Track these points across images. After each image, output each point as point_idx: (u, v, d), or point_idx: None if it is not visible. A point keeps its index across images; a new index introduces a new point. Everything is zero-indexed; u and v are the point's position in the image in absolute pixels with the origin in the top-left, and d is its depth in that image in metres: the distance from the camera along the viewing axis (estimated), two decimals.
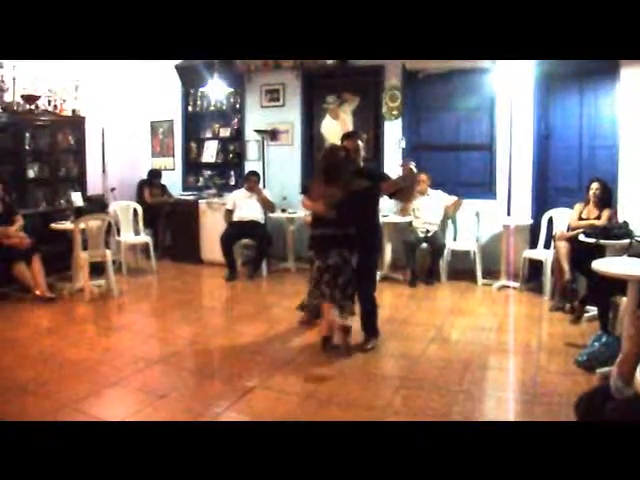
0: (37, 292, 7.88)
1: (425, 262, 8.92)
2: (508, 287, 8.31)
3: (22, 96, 9.02)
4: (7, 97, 8.84)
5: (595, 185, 7.30)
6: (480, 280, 8.64)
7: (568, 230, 7.40)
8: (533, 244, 8.46)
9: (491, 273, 8.63)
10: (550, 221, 8.21)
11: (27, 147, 9.33)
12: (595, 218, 7.22)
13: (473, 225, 8.90)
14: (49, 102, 9.55)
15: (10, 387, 5.08)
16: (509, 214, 8.71)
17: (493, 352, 5.99)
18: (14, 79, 8.83)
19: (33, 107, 9.19)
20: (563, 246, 7.16)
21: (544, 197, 8.79)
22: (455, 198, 8.93)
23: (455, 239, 9.09)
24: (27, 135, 9.29)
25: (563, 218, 7.85)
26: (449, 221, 9.10)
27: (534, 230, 8.51)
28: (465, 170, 9.53)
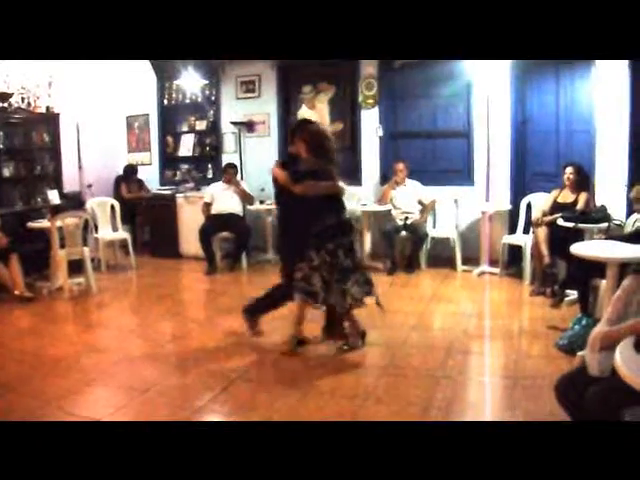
0: (16, 292, 7.80)
1: (405, 250, 8.92)
2: (488, 273, 8.33)
3: None
4: None
5: (569, 169, 7.31)
6: (460, 267, 8.65)
7: (543, 215, 7.40)
8: (512, 230, 8.46)
9: (471, 260, 8.65)
10: (529, 206, 8.20)
11: (1, 145, 9.28)
12: (571, 202, 7.22)
13: (452, 212, 8.91)
14: (22, 99, 9.47)
15: None
16: (487, 200, 8.72)
17: (474, 338, 6.00)
18: None
19: (6, 105, 9.14)
20: (542, 231, 7.18)
21: (522, 182, 8.79)
22: (431, 197, 8.97)
23: (434, 226, 9.08)
24: (0, 133, 9.22)
25: (541, 203, 7.87)
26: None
27: (513, 216, 8.53)
28: (443, 157, 9.52)
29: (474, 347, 5.79)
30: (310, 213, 5.40)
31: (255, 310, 5.96)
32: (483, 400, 4.61)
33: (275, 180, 5.60)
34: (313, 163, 5.41)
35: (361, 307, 5.58)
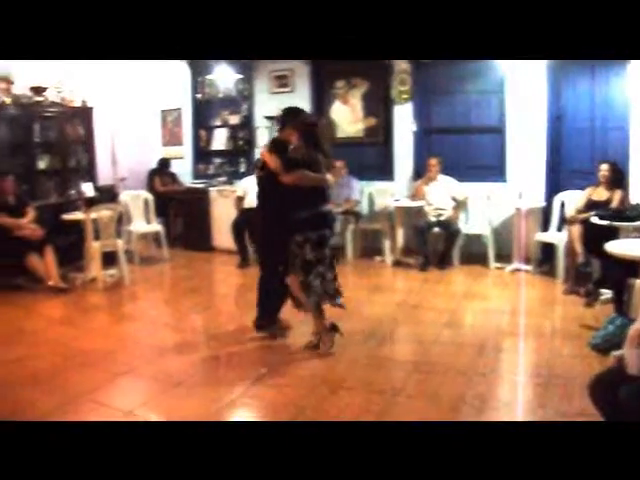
0: (50, 283, 7.90)
1: (437, 247, 8.89)
2: (521, 270, 8.26)
3: (30, 88, 9.05)
4: (15, 89, 8.85)
5: (604, 167, 7.23)
6: (492, 264, 8.59)
7: (577, 213, 7.33)
8: (546, 227, 8.38)
9: (503, 257, 8.58)
10: (563, 204, 8.12)
11: (36, 139, 9.40)
12: (605, 200, 7.15)
13: (485, 209, 8.85)
14: (57, 93, 9.57)
15: (24, 377, 5.10)
16: (521, 197, 8.63)
17: (506, 336, 5.96)
18: (22, 71, 8.83)
19: (41, 99, 9.22)
20: (575, 229, 7.12)
21: (557, 179, 8.70)
22: (464, 193, 8.93)
23: (467, 223, 9.03)
24: (36, 127, 9.34)
25: (576, 200, 7.79)
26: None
27: (547, 213, 8.44)
28: (476, 153, 9.47)
29: (506, 345, 5.75)
30: (292, 202, 5.40)
31: (268, 317, 5.92)
32: (514, 398, 4.57)
33: (262, 165, 5.60)
34: (305, 153, 5.40)
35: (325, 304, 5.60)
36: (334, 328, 5.56)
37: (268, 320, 5.89)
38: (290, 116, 5.71)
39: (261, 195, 5.78)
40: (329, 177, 5.67)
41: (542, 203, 8.53)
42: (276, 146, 5.55)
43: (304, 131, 5.48)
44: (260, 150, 5.64)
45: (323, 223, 5.48)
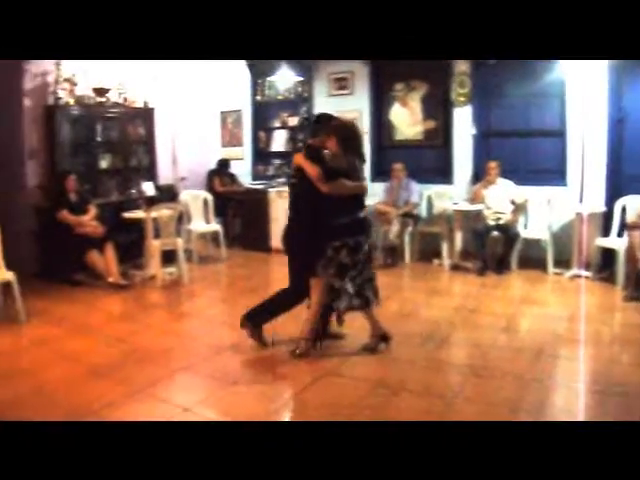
0: (110, 279, 8.08)
1: (496, 250, 8.83)
2: (580, 276, 8.15)
3: (93, 89, 9.24)
4: (79, 90, 9.05)
5: None
6: (551, 269, 8.50)
7: (637, 218, 7.23)
8: (606, 232, 8.28)
9: (562, 262, 8.47)
10: (624, 209, 8.02)
11: (99, 138, 9.60)
12: None
13: (544, 213, 8.76)
14: (119, 94, 9.76)
15: (84, 372, 5.25)
16: (581, 201, 8.53)
17: (565, 342, 5.91)
18: (85, 72, 9.04)
19: (104, 99, 9.41)
20: (637, 234, 7.03)
21: (618, 184, 8.57)
22: (524, 196, 8.84)
23: (526, 227, 8.95)
24: (99, 127, 9.56)
25: (637, 206, 7.68)
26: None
27: (607, 218, 8.33)
28: (536, 157, 9.38)
29: (564, 351, 5.70)
30: (329, 209, 5.38)
31: (259, 318, 5.78)
32: (572, 405, 4.54)
33: (297, 168, 5.48)
34: (345, 161, 5.37)
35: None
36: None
37: (257, 323, 5.75)
38: (324, 122, 5.68)
39: (295, 202, 5.67)
40: (366, 184, 5.68)
41: (603, 208, 8.41)
42: (312, 153, 5.45)
43: (343, 138, 5.43)
44: (294, 156, 5.53)
45: (360, 229, 5.48)
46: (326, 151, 5.44)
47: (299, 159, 5.44)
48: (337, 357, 5.51)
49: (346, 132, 5.51)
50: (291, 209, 5.71)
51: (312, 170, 5.29)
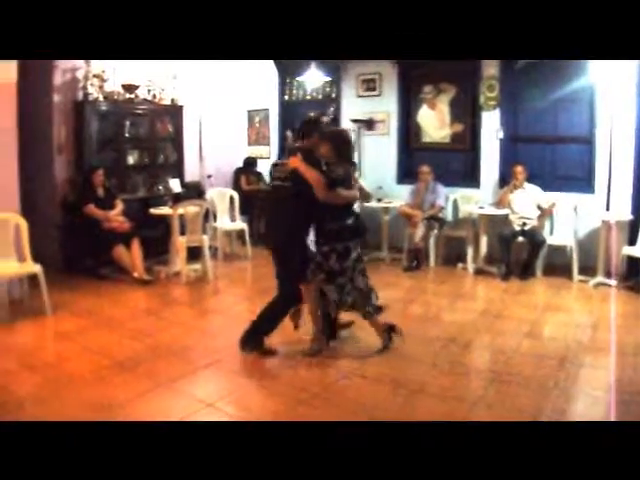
0: (135, 274, 8.15)
1: (521, 256, 8.80)
2: (605, 284, 8.10)
3: (122, 85, 9.31)
4: (108, 86, 9.12)
5: None
6: (576, 276, 8.44)
7: None
8: (632, 241, 8.20)
9: (587, 269, 8.41)
10: None
11: (127, 135, 9.68)
12: None
13: (570, 220, 8.71)
14: (148, 91, 9.83)
15: (109, 365, 5.31)
16: (608, 209, 8.49)
17: (588, 350, 5.88)
18: (114, 69, 9.12)
19: (133, 96, 9.48)
20: None
21: None
22: (551, 200, 8.78)
23: (551, 233, 8.91)
24: (127, 123, 9.63)
25: None
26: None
27: (633, 226, 8.26)
28: (563, 163, 9.31)
29: (587, 359, 5.66)
30: (320, 214, 5.38)
31: (256, 338, 5.64)
32: (594, 414, 4.52)
33: (291, 172, 5.34)
34: (342, 169, 5.37)
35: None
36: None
37: (256, 344, 5.63)
38: (316, 126, 5.64)
39: (284, 205, 5.51)
40: (357, 193, 5.71)
41: (629, 216, 8.34)
42: (310, 158, 5.34)
43: (338, 145, 5.43)
44: (290, 160, 5.38)
45: (349, 235, 5.46)
46: (322, 157, 5.40)
47: (297, 163, 5.30)
48: (359, 357, 5.52)
49: (341, 139, 5.52)
50: (278, 213, 5.64)
51: (314, 177, 5.22)
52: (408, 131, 10.61)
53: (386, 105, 10.60)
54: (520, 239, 8.69)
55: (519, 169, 8.85)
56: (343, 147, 5.45)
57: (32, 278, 6.81)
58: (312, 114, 6.08)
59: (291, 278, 5.55)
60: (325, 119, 5.77)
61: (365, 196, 9.63)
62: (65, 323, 6.54)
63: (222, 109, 11.82)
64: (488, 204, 9.23)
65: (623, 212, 8.38)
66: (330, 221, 5.38)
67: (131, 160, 9.83)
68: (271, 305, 5.67)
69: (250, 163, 11.56)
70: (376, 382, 5.00)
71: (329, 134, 5.52)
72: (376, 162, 10.57)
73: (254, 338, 5.61)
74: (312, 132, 5.53)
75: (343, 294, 5.47)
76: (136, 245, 8.30)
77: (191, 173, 10.82)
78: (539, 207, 8.79)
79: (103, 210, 8.38)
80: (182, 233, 8.43)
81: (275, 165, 5.62)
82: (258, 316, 5.65)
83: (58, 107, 8.77)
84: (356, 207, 9.24)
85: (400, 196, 9.83)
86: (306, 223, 5.46)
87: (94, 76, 8.93)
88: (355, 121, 10.64)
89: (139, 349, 5.73)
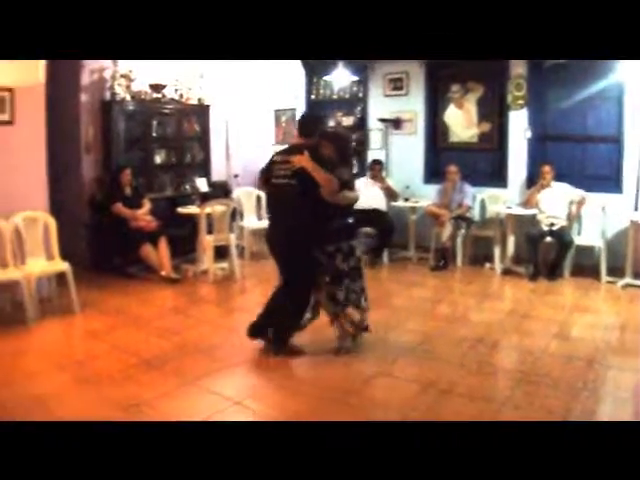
0: (163, 273, 8.21)
1: (548, 256, 8.75)
2: (633, 285, 8.03)
3: (149, 85, 9.37)
4: (135, 86, 9.19)
5: None
6: (604, 277, 8.38)
7: None
8: None
9: (616, 270, 8.34)
10: None
11: (154, 134, 9.75)
12: None
13: (598, 220, 8.64)
14: (175, 91, 9.89)
15: (137, 362, 5.37)
16: (636, 209, 8.42)
17: (617, 352, 5.85)
18: (142, 69, 9.19)
19: (160, 96, 9.55)
20: None
21: None
22: (581, 194, 8.70)
23: (579, 234, 8.85)
24: (154, 122, 9.71)
25: None
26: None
27: None
28: (591, 162, 9.25)
29: (616, 361, 5.61)
30: (324, 213, 5.32)
31: (281, 340, 5.61)
32: (622, 416, 4.50)
33: (298, 170, 5.20)
34: (346, 172, 5.41)
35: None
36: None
37: (285, 342, 5.60)
38: (316, 124, 5.65)
39: (290, 204, 5.38)
40: (358, 195, 5.72)
41: None
42: (316, 158, 5.21)
43: (341, 146, 5.46)
44: (297, 158, 5.20)
45: (350, 234, 5.51)
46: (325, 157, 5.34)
47: (305, 162, 5.16)
48: (388, 357, 5.52)
49: (344, 141, 5.61)
50: (280, 212, 5.56)
51: (326, 177, 5.14)
52: (435, 130, 10.58)
53: (413, 104, 10.57)
54: (548, 239, 8.63)
55: (547, 169, 8.79)
56: (345, 148, 5.52)
57: (60, 276, 6.88)
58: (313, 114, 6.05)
59: (301, 279, 5.49)
60: (325, 118, 5.73)
61: (392, 195, 9.67)
62: (93, 321, 6.61)
63: (249, 108, 11.86)
64: (516, 204, 9.18)
65: None
66: (333, 219, 5.38)
67: (158, 159, 9.90)
68: (282, 310, 5.57)
69: None
70: (405, 382, 5.02)
71: (333, 135, 5.61)
72: (403, 161, 10.54)
73: (278, 344, 5.58)
74: (313, 131, 5.52)
75: (349, 293, 5.48)
76: (163, 244, 8.36)
77: (218, 172, 10.87)
78: (571, 202, 8.71)
79: (131, 209, 8.44)
80: (209, 232, 8.48)
81: (274, 162, 5.49)
82: (275, 323, 5.61)
83: (86, 107, 8.86)
84: (383, 206, 9.38)
85: (427, 195, 9.81)
86: (311, 223, 5.33)
87: (121, 76, 9.01)
88: (382, 120, 10.62)
89: (166, 347, 5.78)
